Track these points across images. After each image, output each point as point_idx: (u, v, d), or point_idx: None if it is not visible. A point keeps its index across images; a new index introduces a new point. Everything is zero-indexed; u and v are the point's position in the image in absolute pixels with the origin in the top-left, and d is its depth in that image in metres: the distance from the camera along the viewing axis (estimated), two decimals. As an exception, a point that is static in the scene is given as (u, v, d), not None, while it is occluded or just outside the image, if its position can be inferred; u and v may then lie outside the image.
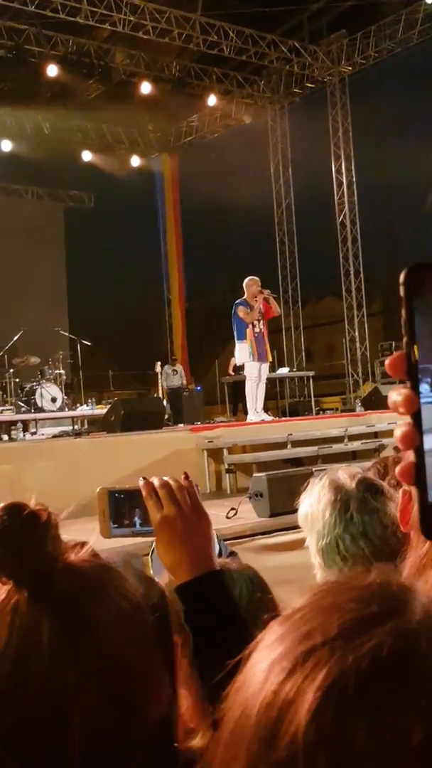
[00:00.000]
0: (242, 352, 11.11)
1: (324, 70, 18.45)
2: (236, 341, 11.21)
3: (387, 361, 0.57)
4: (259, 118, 19.65)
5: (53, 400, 12.47)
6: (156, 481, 1.31)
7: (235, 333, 11.15)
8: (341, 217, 18.74)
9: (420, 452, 0.55)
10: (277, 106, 19.64)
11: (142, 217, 21.98)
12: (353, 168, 18.75)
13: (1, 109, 17.77)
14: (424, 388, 0.55)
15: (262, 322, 11.04)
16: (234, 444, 9.48)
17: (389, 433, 9.89)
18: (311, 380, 14.97)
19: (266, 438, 9.88)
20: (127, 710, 0.86)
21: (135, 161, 20.51)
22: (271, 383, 13.01)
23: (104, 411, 11.53)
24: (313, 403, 14.65)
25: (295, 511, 1.88)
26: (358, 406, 14.22)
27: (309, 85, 18.88)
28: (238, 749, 0.50)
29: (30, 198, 21.32)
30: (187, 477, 1.35)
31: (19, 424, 11.80)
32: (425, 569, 0.66)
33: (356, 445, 10.16)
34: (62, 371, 13.26)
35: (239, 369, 12.43)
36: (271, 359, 11.69)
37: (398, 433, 0.55)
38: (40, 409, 12.24)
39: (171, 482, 1.31)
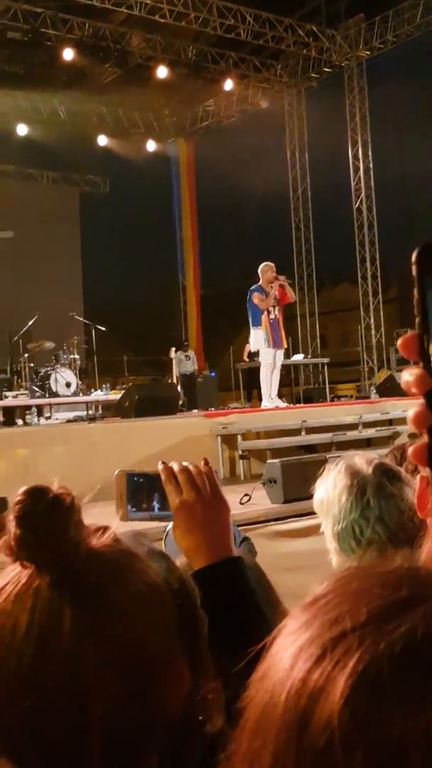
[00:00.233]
0: (257, 339, 11.08)
1: (342, 55, 18.29)
2: (251, 327, 11.18)
3: (399, 341, 0.56)
4: (276, 103, 19.51)
5: (68, 385, 12.50)
6: (176, 466, 1.31)
7: (250, 319, 11.12)
8: (357, 203, 18.62)
9: None
10: (294, 91, 19.50)
11: (158, 203, 21.93)
12: (370, 154, 18.60)
13: (17, 93, 17.76)
14: None
15: (277, 308, 11.00)
16: (248, 430, 9.46)
17: (404, 421, 9.65)
18: (326, 367, 14.93)
19: (280, 424, 9.86)
20: (147, 697, 0.86)
21: (151, 146, 20.44)
22: (285, 370, 12.97)
23: (119, 396, 11.54)
24: (327, 390, 14.62)
25: (308, 497, 1.89)
26: (372, 393, 14.18)
27: (326, 69, 18.71)
28: (266, 738, 0.48)
29: (45, 182, 21.30)
30: (207, 463, 1.34)
31: (34, 409, 11.84)
32: None
33: (371, 432, 10.12)
34: (77, 356, 13.27)
35: (254, 355, 12.40)
36: (286, 345, 11.66)
37: (411, 413, 0.55)
38: (55, 394, 12.27)
39: (191, 467, 1.31)
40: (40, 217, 19.65)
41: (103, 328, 14.15)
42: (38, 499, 0.87)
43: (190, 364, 16.07)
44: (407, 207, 20.81)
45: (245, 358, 14.44)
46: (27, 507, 0.86)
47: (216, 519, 1.28)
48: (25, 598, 0.84)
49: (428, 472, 0.55)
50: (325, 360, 15.25)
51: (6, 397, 12.03)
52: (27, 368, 12.68)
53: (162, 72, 16.78)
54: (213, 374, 16.12)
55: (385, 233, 18.72)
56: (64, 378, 12.47)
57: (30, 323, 13.35)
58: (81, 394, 12.82)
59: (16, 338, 13.30)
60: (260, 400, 11.65)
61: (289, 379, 14.74)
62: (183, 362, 15.68)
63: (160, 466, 1.31)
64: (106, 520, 0.96)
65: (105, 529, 0.92)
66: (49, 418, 11.86)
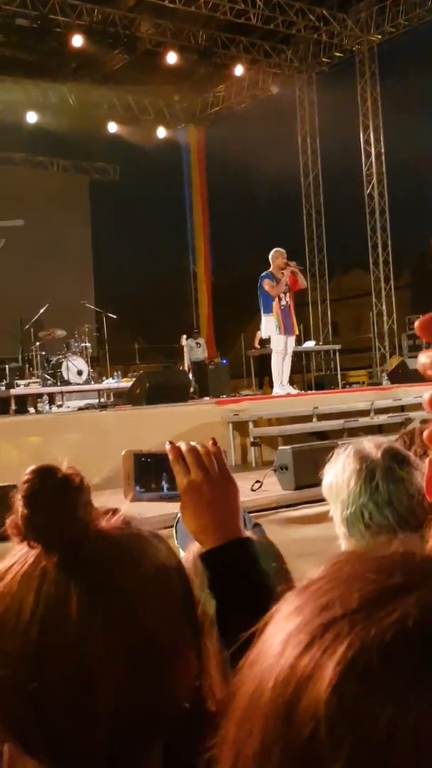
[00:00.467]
0: (268, 325, 11.05)
1: (353, 39, 18.12)
2: (262, 314, 11.14)
3: (417, 323, 0.55)
4: (287, 88, 19.35)
5: (79, 373, 12.50)
6: (183, 446, 1.29)
7: (261, 306, 11.08)
8: (369, 188, 18.49)
9: None
10: (305, 76, 19.34)
11: (168, 189, 21.86)
12: (382, 139, 18.46)
13: (27, 81, 17.71)
14: None
15: (288, 294, 10.95)
16: (259, 417, 9.45)
17: (416, 407, 9.82)
18: (338, 354, 14.88)
19: (292, 411, 9.83)
20: (153, 681, 0.85)
21: (161, 132, 20.34)
22: (297, 357, 12.94)
23: (130, 384, 11.54)
24: (339, 376, 14.57)
25: (320, 483, 1.87)
26: (384, 379, 14.12)
27: (337, 54, 18.55)
28: (253, 725, 0.47)
29: (55, 170, 21.24)
30: (215, 443, 1.32)
31: (45, 397, 11.86)
32: None
33: (382, 418, 10.08)
34: (88, 344, 13.27)
35: (265, 342, 12.36)
36: (297, 332, 11.62)
37: (427, 396, 0.54)
38: (67, 382, 12.28)
39: (198, 447, 1.29)
40: (50, 205, 19.62)
41: (114, 316, 14.13)
42: (47, 478, 0.86)
43: (201, 352, 16.05)
44: (419, 192, 20.70)
45: (256, 345, 14.41)
46: (35, 486, 0.85)
47: (224, 499, 1.26)
48: (32, 578, 0.83)
49: None
50: (337, 347, 15.19)
51: (18, 385, 12.03)
52: (38, 356, 12.68)
53: (172, 58, 16.68)
54: (224, 361, 16.10)
55: (396, 219, 18.62)
56: (75, 366, 12.47)
57: (41, 311, 13.34)
58: (92, 382, 12.82)
59: (27, 326, 13.30)
60: (272, 387, 11.63)
61: (300, 365, 14.69)
62: (194, 350, 15.65)
63: (167, 446, 1.29)
64: (118, 505, 0.95)
65: (115, 511, 0.91)
66: (60, 406, 11.87)
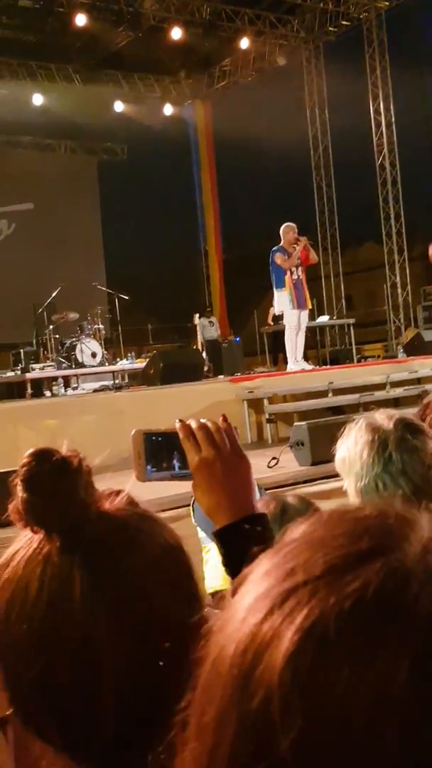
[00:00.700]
0: (281, 300, 10.99)
1: (360, 7, 17.84)
2: (275, 290, 11.08)
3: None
4: (294, 60, 19.11)
5: (93, 355, 12.51)
6: (193, 423, 1.28)
7: (273, 281, 11.02)
8: (380, 159, 18.27)
9: None
10: (312, 47, 19.07)
11: (177, 168, 21.72)
12: (392, 108, 18.20)
13: (32, 63, 17.60)
14: None
15: (300, 268, 10.88)
16: (274, 394, 9.42)
17: (432, 379, 9.75)
18: (352, 328, 14.78)
19: (307, 387, 9.80)
20: (159, 660, 0.83)
21: (168, 110, 20.17)
22: (311, 332, 12.87)
23: (144, 365, 11.55)
24: (354, 351, 14.49)
25: (336, 459, 1.85)
26: (400, 352, 14.02)
27: (344, 23, 18.28)
28: (212, 694, 0.46)
29: (63, 152, 21.14)
30: (225, 419, 1.31)
31: (60, 380, 11.88)
32: None
33: (398, 391, 10.01)
34: (101, 326, 13.26)
35: (278, 318, 12.31)
36: (310, 306, 11.55)
37: None
38: (81, 365, 12.30)
39: (209, 424, 1.28)
40: (59, 187, 19.57)
41: (126, 297, 14.10)
42: (44, 461, 0.85)
43: (214, 330, 16.01)
44: (431, 161, 20.43)
45: (270, 321, 14.35)
46: (32, 469, 0.85)
47: (237, 475, 1.25)
48: (35, 563, 0.84)
49: None
50: (351, 321, 15.09)
51: (33, 369, 12.07)
52: (52, 340, 12.70)
53: (176, 33, 16.52)
54: (238, 339, 16.06)
55: (409, 189, 18.40)
56: (89, 348, 12.48)
57: (53, 294, 13.34)
58: (107, 364, 12.83)
59: (40, 310, 13.31)
60: (286, 363, 11.58)
61: (314, 341, 14.62)
62: (207, 328, 15.61)
63: (177, 424, 1.28)
64: (132, 486, 0.94)
65: (118, 492, 0.90)
66: (76, 388, 11.90)
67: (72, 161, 21.12)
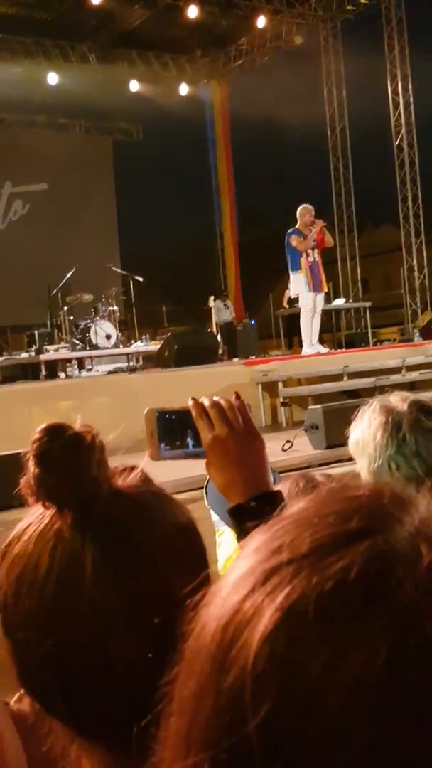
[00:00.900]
0: (297, 283, 10.94)
1: (379, -16, 17.61)
2: (291, 272, 11.03)
3: None
4: (311, 39, 18.91)
5: (108, 337, 12.50)
6: (206, 401, 1.28)
7: (289, 263, 10.97)
8: (398, 139, 18.08)
9: None
10: (330, 25, 18.85)
11: (192, 148, 21.60)
12: (411, 88, 17.99)
13: (46, 42, 17.50)
14: None
15: (316, 251, 10.82)
16: (289, 377, 9.41)
17: (449, 363, 9.67)
18: (368, 311, 14.68)
19: (322, 370, 9.77)
20: (171, 638, 0.80)
21: (183, 90, 20.02)
22: (326, 315, 12.81)
23: (158, 347, 11.53)
24: (370, 334, 14.41)
25: (351, 442, 1.84)
26: (416, 335, 13.93)
27: (363, 1, 18.05)
28: (192, 669, 0.46)
29: (78, 131, 21.03)
30: (238, 396, 1.30)
31: (74, 362, 11.88)
32: None
33: (414, 375, 9.96)
34: (116, 308, 13.25)
35: (294, 301, 12.26)
36: (326, 289, 11.49)
37: None
38: (95, 347, 12.30)
39: (222, 402, 1.27)
40: (73, 167, 19.49)
41: (141, 279, 14.07)
42: (56, 436, 0.85)
43: (229, 313, 15.95)
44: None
45: (285, 304, 14.28)
46: (44, 444, 0.84)
47: (250, 453, 1.25)
48: (47, 538, 0.83)
49: None
50: (367, 304, 14.98)
51: (47, 350, 12.09)
52: (67, 321, 12.70)
53: (192, 12, 16.36)
54: (253, 322, 16.00)
55: (427, 170, 18.22)
56: (103, 330, 12.47)
57: (68, 276, 13.32)
58: (121, 346, 12.83)
59: (54, 292, 13.30)
60: (301, 346, 11.54)
61: (330, 324, 14.55)
62: (222, 311, 15.55)
63: (190, 402, 1.28)
64: (148, 466, 0.93)
65: (132, 469, 0.90)
66: (90, 370, 11.91)
67: (87, 141, 21.01)
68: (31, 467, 0.84)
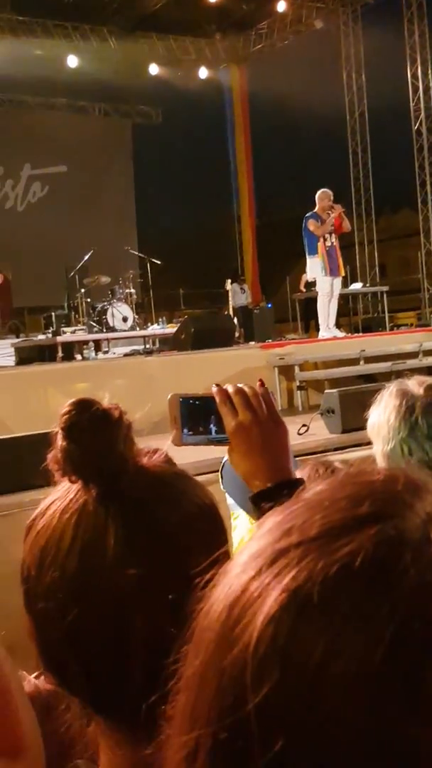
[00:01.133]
0: (314, 267, 10.91)
1: (399, -32, 17.42)
2: (307, 256, 11.00)
3: None
4: (331, 23, 18.75)
5: (124, 319, 12.52)
6: (230, 388, 1.28)
7: (306, 248, 10.93)
8: (417, 124, 17.94)
9: None
10: (350, 10, 18.69)
11: (211, 132, 21.51)
12: (430, 72, 17.81)
13: (66, 24, 17.45)
14: None
15: (333, 235, 10.78)
16: (305, 361, 9.39)
17: (465, 348, 9.65)
18: (385, 296, 14.64)
19: (338, 354, 9.74)
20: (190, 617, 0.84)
21: (203, 73, 19.91)
22: (343, 299, 12.77)
23: (175, 330, 11.54)
24: (387, 319, 14.37)
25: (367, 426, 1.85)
26: (433, 321, 13.88)
27: (384, -16, 17.89)
28: (200, 647, 0.47)
29: (97, 114, 21.00)
30: (262, 384, 1.30)
31: (91, 344, 11.92)
32: None
33: (431, 360, 9.94)
34: (133, 290, 13.25)
35: (311, 285, 12.22)
36: (343, 274, 11.46)
37: None
38: (112, 329, 12.32)
39: (246, 389, 1.28)
40: (92, 150, 19.48)
41: (158, 262, 14.08)
42: (84, 410, 0.85)
43: (246, 296, 15.93)
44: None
45: (302, 288, 14.25)
46: (72, 418, 0.85)
47: (274, 440, 1.25)
48: (71, 512, 0.84)
49: None
50: (385, 288, 14.93)
51: (64, 332, 12.13)
52: (84, 303, 12.72)
53: (212, -6, 16.26)
54: (269, 305, 15.98)
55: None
56: (120, 313, 12.48)
57: (86, 258, 13.35)
58: (138, 329, 12.83)
59: (72, 274, 13.33)
60: (318, 330, 11.53)
61: (347, 308, 14.52)
62: (238, 294, 15.53)
63: (214, 389, 1.28)
64: (166, 449, 0.95)
65: (156, 451, 0.91)
66: (106, 352, 11.94)
67: (106, 124, 20.97)
68: (59, 440, 0.84)
